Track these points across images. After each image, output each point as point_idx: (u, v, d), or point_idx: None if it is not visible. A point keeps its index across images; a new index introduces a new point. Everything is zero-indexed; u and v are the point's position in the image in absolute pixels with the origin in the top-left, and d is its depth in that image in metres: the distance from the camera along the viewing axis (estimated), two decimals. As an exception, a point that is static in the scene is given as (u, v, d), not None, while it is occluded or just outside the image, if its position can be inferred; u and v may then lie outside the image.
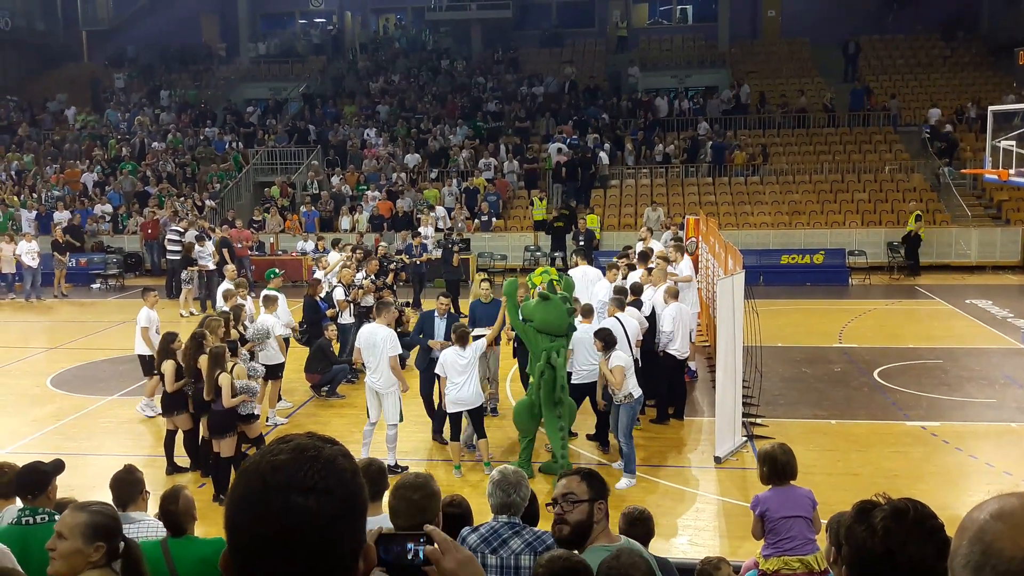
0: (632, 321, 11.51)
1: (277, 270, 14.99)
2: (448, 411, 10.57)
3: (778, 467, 6.42)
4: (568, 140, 29.69)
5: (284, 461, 1.66)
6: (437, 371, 10.58)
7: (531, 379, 10.52)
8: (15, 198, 29.54)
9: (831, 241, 25.27)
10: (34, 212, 28.18)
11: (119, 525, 3.90)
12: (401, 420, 10.77)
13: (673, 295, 12.26)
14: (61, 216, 27.73)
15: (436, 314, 11.58)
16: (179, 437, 10.94)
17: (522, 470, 5.22)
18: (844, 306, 20.86)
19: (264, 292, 13.49)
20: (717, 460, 10.72)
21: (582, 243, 22.29)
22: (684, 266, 14.38)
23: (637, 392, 10.26)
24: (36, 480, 5.20)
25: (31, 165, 32.33)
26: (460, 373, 10.31)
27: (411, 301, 20.03)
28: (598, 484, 4.21)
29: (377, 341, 10.52)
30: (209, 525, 7.90)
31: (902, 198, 26.76)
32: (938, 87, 32.56)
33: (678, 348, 12.17)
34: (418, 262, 21.11)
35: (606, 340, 10.30)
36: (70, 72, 41.02)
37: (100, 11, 42.72)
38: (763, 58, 35.76)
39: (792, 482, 6.52)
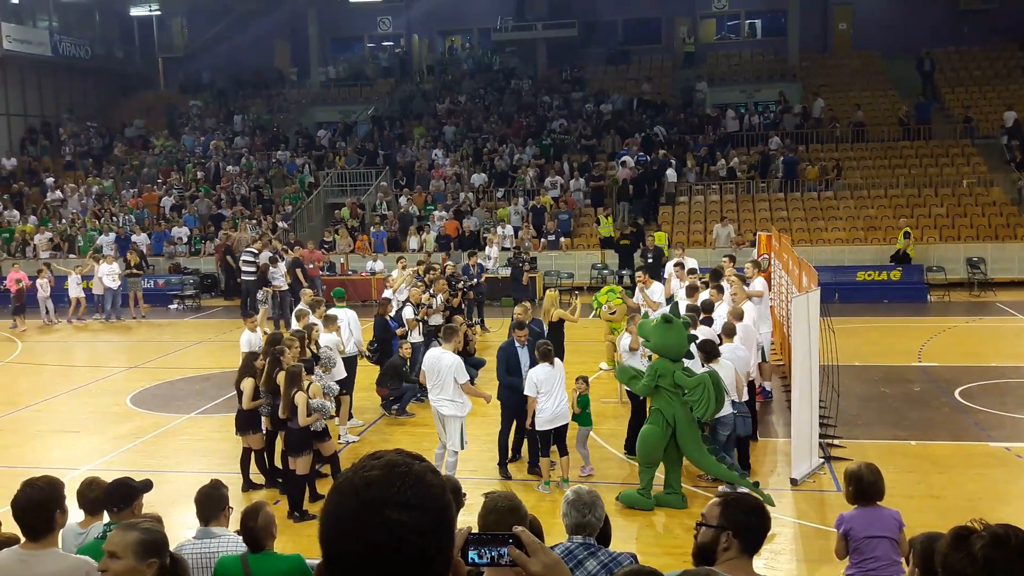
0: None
1: (342, 290, 15.22)
2: (540, 429, 10.43)
3: (864, 487, 6.26)
4: (636, 157, 29.60)
5: (377, 477, 1.71)
6: (528, 392, 10.40)
7: (649, 404, 10.17)
8: (96, 221, 30.41)
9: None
10: (113, 235, 28.95)
11: (167, 541, 3.98)
12: (463, 447, 10.71)
13: (738, 316, 12.03)
14: (138, 239, 28.51)
15: (516, 343, 11.28)
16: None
17: (596, 491, 5.17)
18: (923, 323, 20.36)
19: (326, 312, 13.63)
20: (793, 482, 10.50)
21: (650, 260, 22.14)
22: (757, 284, 14.19)
23: (725, 411, 10.14)
24: (124, 494, 5.32)
25: (110, 189, 33.27)
26: (556, 389, 10.28)
27: (478, 321, 20.11)
28: (732, 513, 3.98)
29: (442, 368, 10.39)
30: (285, 541, 7.97)
31: (981, 212, 26.12)
32: (1017, 98, 31.68)
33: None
34: (477, 283, 21.03)
35: (708, 351, 10.31)
36: (147, 98, 42.22)
37: (175, 38, 43.95)
38: (835, 71, 35.26)
39: (879, 503, 6.35)
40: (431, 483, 1.74)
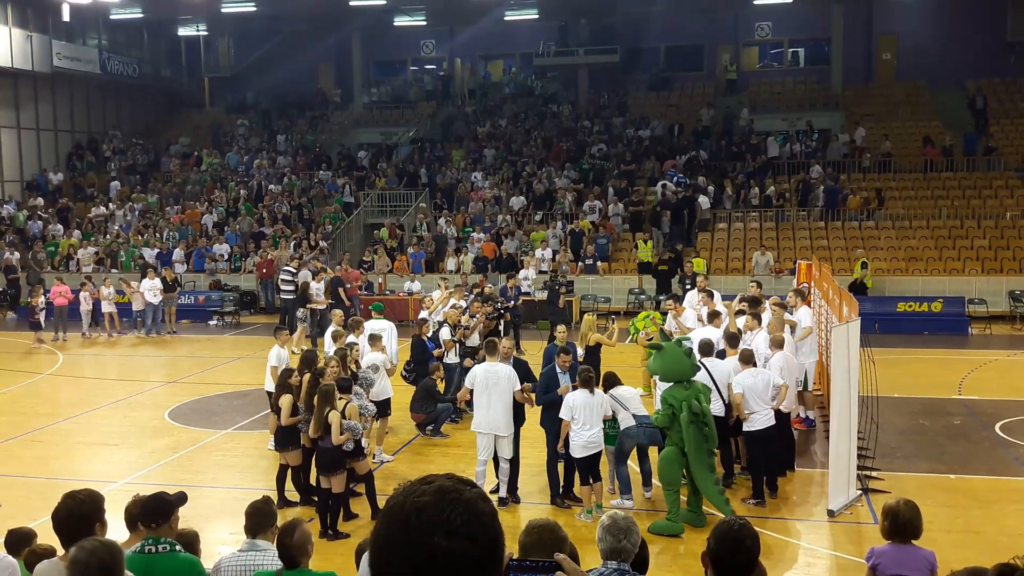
0: (724, 367, 11.32)
1: (381, 304, 15.37)
2: (577, 456, 10.33)
3: (899, 523, 6.15)
4: (676, 177, 29.57)
5: (427, 503, 1.71)
6: (563, 415, 10.32)
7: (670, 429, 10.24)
8: (139, 237, 30.86)
9: (950, 289, 24.42)
10: (156, 250, 29.35)
11: (111, 564, 3.96)
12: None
13: (778, 344, 11.92)
14: (180, 254, 28.91)
15: (559, 369, 11.13)
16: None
17: (631, 517, 5.14)
18: (964, 356, 20.10)
19: (370, 331, 13.70)
20: (830, 514, 10.38)
21: (688, 287, 22.01)
22: (803, 314, 13.90)
23: (628, 423, 10.73)
24: (160, 509, 5.37)
25: (155, 205, 33.78)
26: (593, 418, 10.25)
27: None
28: (710, 537, 4.06)
29: (501, 379, 10.56)
30: (319, 560, 7.99)
31: (1024, 245, 25.80)
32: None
33: (785, 404, 11.54)
34: (514, 305, 21.00)
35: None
36: (193, 117, 42.89)
37: (222, 59, 44.62)
38: (878, 101, 35.04)
39: (914, 542, 6.24)
40: (482, 511, 1.74)
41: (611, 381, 11.22)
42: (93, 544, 4.03)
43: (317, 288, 22.44)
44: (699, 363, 11.12)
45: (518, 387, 10.65)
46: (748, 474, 11.62)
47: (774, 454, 11.24)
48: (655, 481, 11.06)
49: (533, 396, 10.97)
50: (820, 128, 33.68)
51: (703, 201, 28.96)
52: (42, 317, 23.32)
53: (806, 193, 29.20)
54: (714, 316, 13.53)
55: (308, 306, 22.32)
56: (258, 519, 5.74)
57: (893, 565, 6.13)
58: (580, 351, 12.98)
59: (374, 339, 13.17)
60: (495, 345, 11.10)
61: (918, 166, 30.47)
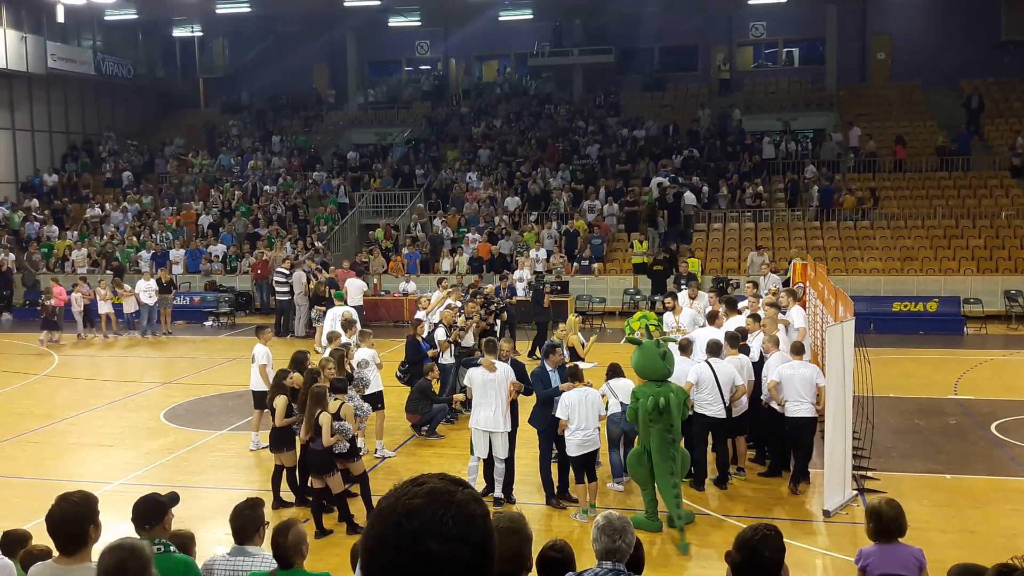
0: (727, 367, 11.34)
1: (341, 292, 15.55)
2: (574, 455, 10.38)
3: (884, 523, 6.15)
4: (669, 176, 29.58)
5: (419, 505, 1.69)
6: (559, 414, 10.36)
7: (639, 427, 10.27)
8: (134, 238, 30.79)
9: (945, 288, 24.44)
10: (151, 252, 29.29)
11: (129, 569, 3.95)
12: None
13: (774, 343, 11.94)
14: (176, 255, 28.86)
15: (548, 368, 11.12)
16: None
17: (626, 517, 5.13)
18: (959, 356, 20.11)
19: (334, 317, 13.90)
20: (826, 514, 10.38)
21: (683, 287, 22.02)
22: (795, 313, 13.82)
23: (615, 409, 11.13)
24: (153, 511, 5.34)
25: (150, 206, 33.71)
26: (587, 415, 10.27)
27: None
28: (736, 541, 4.02)
29: (498, 378, 10.67)
30: (314, 560, 7.97)
31: (1019, 245, 25.80)
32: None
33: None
34: (507, 305, 20.95)
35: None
36: (188, 118, 42.76)
37: (216, 60, 44.51)
38: (873, 101, 35.06)
39: (901, 540, 6.25)
40: (474, 513, 1.72)
41: (614, 372, 11.53)
42: (121, 544, 4.04)
43: (360, 287, 22.34)
44: (707, 362, 11.29)
45: (513, 378, 10.75)
46: (744, 475, 11.71)
47: (801, 449, 11.36)
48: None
49: (520, 385, 10.97)
50: (815, 128, 33.68)
51: (688, 197, 28.88)
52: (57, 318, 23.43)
53: (795, 193, 29.23)
54: (714, 317, 13.52)
55: (319, 308, 22.27)
56: (241, 523, 5.67)
57: (881, 565, 6.14)
58: (565, 352, 12.98)
59: (364, 335, 13.29)
60: (492, 345, 11.13)
61: (915, 166, 30.48)
